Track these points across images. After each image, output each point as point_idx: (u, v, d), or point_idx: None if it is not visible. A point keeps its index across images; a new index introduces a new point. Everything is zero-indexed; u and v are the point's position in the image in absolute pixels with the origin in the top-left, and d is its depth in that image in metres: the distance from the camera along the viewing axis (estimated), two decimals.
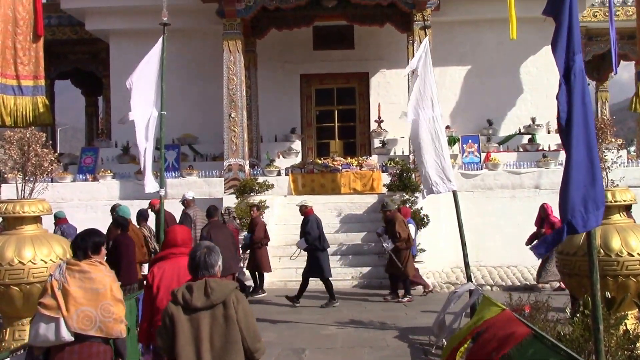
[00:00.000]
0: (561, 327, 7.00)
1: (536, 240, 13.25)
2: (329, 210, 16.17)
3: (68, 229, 12.58)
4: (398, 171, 16.14)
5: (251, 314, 4.46)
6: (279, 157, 19.13)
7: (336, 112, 21.20)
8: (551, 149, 18.27)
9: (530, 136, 19.09)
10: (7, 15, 14.26)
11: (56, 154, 9.14)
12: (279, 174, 17.65)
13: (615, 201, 7.93)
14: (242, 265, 13.65)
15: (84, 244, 5.27)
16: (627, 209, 8.46)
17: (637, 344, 6.28)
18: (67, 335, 4.96)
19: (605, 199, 5.76)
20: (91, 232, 5.42)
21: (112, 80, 20.25)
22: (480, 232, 15.37)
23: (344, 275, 14.24)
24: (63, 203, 16.23)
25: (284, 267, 13.91)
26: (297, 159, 19.19)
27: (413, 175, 15.80)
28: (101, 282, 5.11)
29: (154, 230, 11.94)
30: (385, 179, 16.85)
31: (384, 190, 16.50)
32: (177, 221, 12.40)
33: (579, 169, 4.65)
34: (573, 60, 4.75)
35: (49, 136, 15.12)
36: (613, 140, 13.90)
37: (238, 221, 14.10)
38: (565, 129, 4.74)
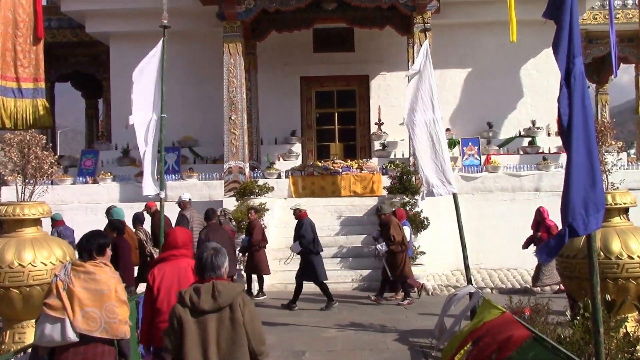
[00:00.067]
0: (561, 329, 6.99)
1: (532, 244, 13.28)
2: (329, 212, 16.18)
3: (65, 231, 12.61)
4: (398, 174, 16.13)
5: (257, 317, 4.48)
6: (279, 160, 19.14)
7: (336, 114, 21.20)
8: (551, 152, 18.28)
9: (530, 139, 19.09)
10: (7, 17, 14.26)
11: (56, 157, 9.13)
12: (279, 176, 17.66)
13: (616, 204, 7.94)
14: (240, 267, 13.66)
15: (89, 246, 5.33)
16: (625, 212, 8.46)
17: (638, 347, 6.27)
18: (72, 336, 5.01)
19: (605, 201, 5.76)
20: (96, 234, 5.49)
21: (112, 82, 20.27)
22: (481, 235, 15.36)
23: (344, 278, 14.22)
24: (63, 205, 16.24)
25: (285, 270, 13.89)
26: (297, 162, 19.19)
27: (413, 177, 15.78)
28: (106, 284, 5.17)
29: (150, 233, 11.96)
30: (386, 181, 16.85)
31: (384, 192, 16.49)
32: (174, 223, 12.39)
33: (579, 171, 4.66)
34: (573, 63, 4.76)
35: (49, 139, 15.15)
36: (613, 142, 13.88)
37: (234, 223, 14.09)
38: (565, 131, 4.75)
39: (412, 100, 9.91)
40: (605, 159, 8.39)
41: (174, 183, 17.15)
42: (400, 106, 18.78)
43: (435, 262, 15.01)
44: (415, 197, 15.29)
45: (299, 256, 12.41)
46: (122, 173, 18.20)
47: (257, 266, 13.18)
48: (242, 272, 13.61)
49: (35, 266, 7.72)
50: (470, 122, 19.68)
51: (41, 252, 7.83)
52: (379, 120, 19.79)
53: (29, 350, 6.03)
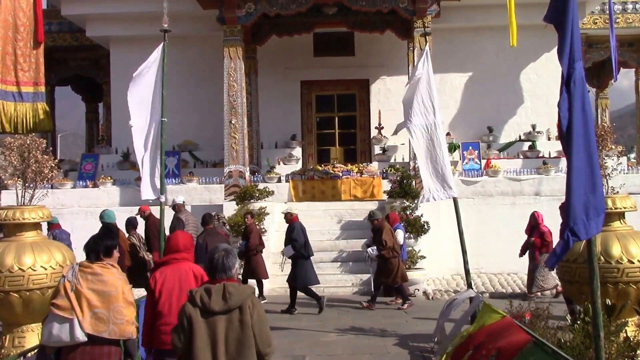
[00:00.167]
0: (562, 334, 6.99)
1: (528, 251, 13.19)
2: (330, 217, 16.17)
3: (60, 234, 12.59)
4: (398, 178, 16.14)
5: (265, 319, 4.52)
6: (279, 164, 19.14)
7: (337, 118, 21.21)
8: (551, 156, 18.28)
9: (530, 143, 19.10)
10: (8, 21, 14.24)
11: (56, 161, 9.14)
12: (279, 180, 17.65)
13: (616, 208, 7.94)
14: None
15: (96, 247, 5.37)
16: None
17: (638, 351, 6.27)
18: (81, 336, 5.05)
19: (606, 205, 5.76)
20: (103, 235, 5.55)
21: (113, 86, 20.26)
22: (481, 239, 15.35)
23: (344, 282, 14.21)
24: (63, 209, 16.24)
25: (285, 274, 13.87)
26: (298, 166, 19.17)
27: (413, 182, 15.79)
28: (113, 285, 5.22)
29: (144, 237, 11.95)
30: (386, 185, 16.85)
31: (385, 197, 16.49)
32: (168, 226, 12.37)
33: (579, 175, 4.66)
34: (573, 68, 4.76)
35: (49, 142, 15.14)
36: (613, 147, 13.85)
37: (228, 227, 14.08)
38: (565, 136, 4.75)
39: (410, 104, 9.92)
40: (605, 163, 8.39)
41: (174, 187, 17.13)
42: (400, 110, 18.75)
43: (435, 267, 15.01)
44: (416, 201, 15.29)
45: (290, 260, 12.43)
46: (123, 177, 18.19)
47: (254, 271, 13.16)
48: (239, 277, 13.60)
49: (35, 270, 7.71)
50: (470, 126, 19.69)
51: (41, 256, 7.82)
52: (379, 124, 19.78)
53: (29, 354, 6.03)
